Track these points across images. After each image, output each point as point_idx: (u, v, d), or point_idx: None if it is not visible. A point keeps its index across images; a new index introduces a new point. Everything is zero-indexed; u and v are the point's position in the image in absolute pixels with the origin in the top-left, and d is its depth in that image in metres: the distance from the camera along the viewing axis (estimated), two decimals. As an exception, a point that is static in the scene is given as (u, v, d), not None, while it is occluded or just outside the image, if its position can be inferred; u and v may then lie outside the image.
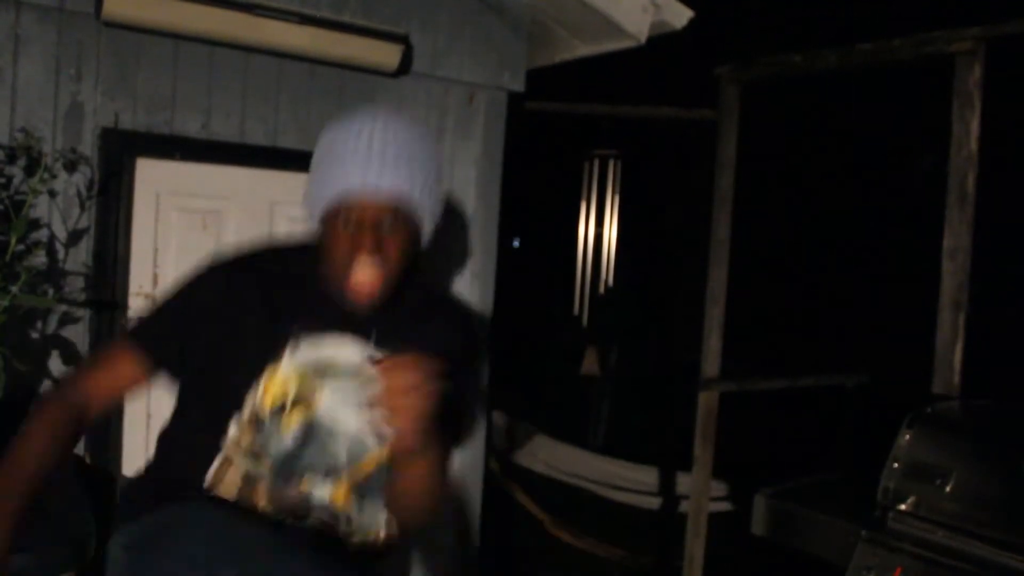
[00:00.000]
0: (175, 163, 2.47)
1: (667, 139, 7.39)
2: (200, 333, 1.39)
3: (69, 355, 2.27)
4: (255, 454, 1.37)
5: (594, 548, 4.64)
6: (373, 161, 1.32)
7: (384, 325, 1.40)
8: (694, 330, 3.94)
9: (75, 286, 2.27)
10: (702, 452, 3.54)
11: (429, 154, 1.39)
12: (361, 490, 1.43)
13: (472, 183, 3.03)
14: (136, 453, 2.47)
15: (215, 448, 1.38)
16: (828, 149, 7.26)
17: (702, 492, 3.57)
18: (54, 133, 2.23)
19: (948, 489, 2.23)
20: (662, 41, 3.03)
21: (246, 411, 1.37)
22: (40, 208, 2.18)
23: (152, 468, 1.52)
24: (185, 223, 2.55)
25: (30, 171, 2.08)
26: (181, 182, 2.52)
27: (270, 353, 1.37)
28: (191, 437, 1.43)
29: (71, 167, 2.24)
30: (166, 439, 1.51)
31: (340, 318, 1.39)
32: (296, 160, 2.65)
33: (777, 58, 3.51)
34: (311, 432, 1.38)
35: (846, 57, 3.21)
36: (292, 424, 1.37)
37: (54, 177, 2.15)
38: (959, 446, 2.34)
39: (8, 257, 1.94)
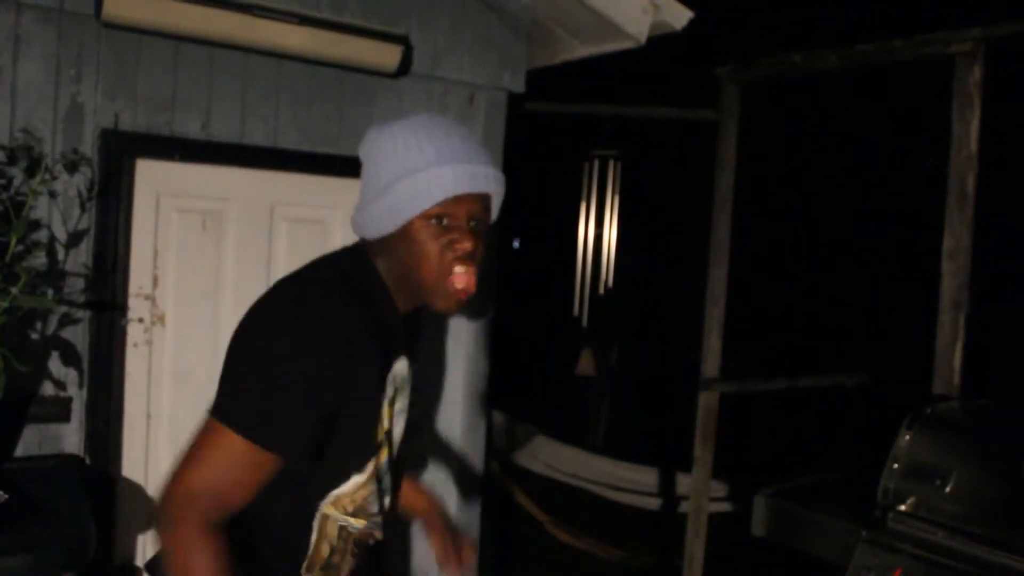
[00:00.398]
0: (175, 164, 2.47)
1: (667, 139, 7.39)
2: (333, 415, 1.24)
3: (69, 356, 2.27)
4: (364, 504, 1.37)
5: (594, 548, 4.64)
6: (475, 162, 1.30)
7: (411, 340, 1.45)
8: (694, 330, 3.94)
9: (75, 287, 2.27)
10: (702, 452, 3.54)
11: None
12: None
13: (472, 183, 3.03)
14: (136, 453, 2.47)
15: (312, 510, 1.33)
16: (828, 149, 7.26)
17: (702, 492, 3.57)
18: (54, 134, 2.23)
19: (948, 489, 2.23)
20: (662, 41, 3.03)
21: (369, 467, 1.35)
22: (40, 209, 2.18)
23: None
24: (185, 224, 2.55)
25: (30, 172, 2.08)
26: (181, 183, 2.52)
27: (383, 402, 1.35)
28: (288, 506, 1.31)
29: (71, 168, 2.24)
30: (255, 513, 1.27)
31: (402, 338, 1.38)
32: (296, 160, 2.66)
33: (777, 58, 3.51)
34: (390, 458, 1.40)
35: (846, 57, 3.21)
36: (384, 458, 1.38)
37: (54, 178, 2.15)
38: (959, 446, 2.34)
39: (8, 258, 1.93)
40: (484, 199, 1.33)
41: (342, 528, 1.34)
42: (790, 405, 5.17)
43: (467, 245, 1.29)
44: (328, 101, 2.69)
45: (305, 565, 1.33)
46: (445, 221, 1.28)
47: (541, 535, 4.83)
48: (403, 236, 1.30)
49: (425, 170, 1.27)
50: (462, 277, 1.30)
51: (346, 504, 1.34)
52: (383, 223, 1.31)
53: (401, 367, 1.38)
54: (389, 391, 1.34)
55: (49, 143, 2.21)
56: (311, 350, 1.18)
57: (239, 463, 1.18)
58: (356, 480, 1.33)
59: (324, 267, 1.35)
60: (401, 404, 1.41)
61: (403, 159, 1.29)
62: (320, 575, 1.35)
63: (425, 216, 1.28)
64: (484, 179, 1.31)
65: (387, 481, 1.41)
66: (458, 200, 1.28)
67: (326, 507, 1.32)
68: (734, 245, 3.69)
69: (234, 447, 1.17)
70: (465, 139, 1.33)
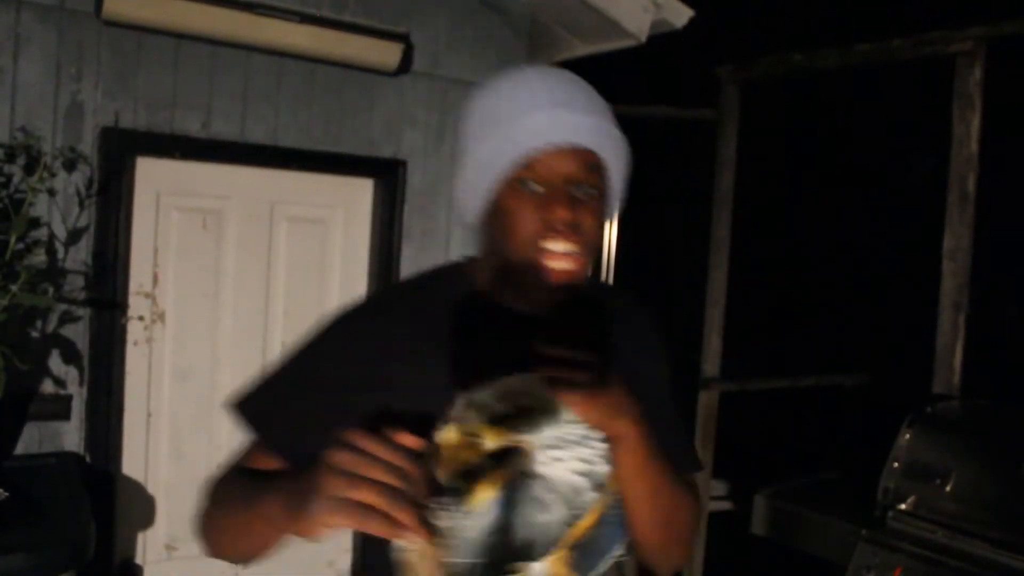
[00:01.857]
0: (175, 162, 2.47)
1: (667, 139, 7.39)
2: (339, 409, 0.98)
3: (69, 354, 2.27)
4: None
5: (594, 548, 4.64)
6: (560, 110, 1.00)
7: (569, 334, 0.97)
8: (694, 330, 3.95)
9: (75, 285, 2.27)
10: (702, 452, 3.54)
11: (607, 106, 1.07)
12: (581, 553, 0.98)
13: (472, 183, 3.03)
14: (136, 451, 2.47)
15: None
16: (828, 149, 7.26)
17: (702, 492, 3.57)
18: (54, 132, 2.23)
19: (948, 489, 2.23)
20: (662, 40, 3.03)
21: None
22: (40, 207, 2.18)
23: None
24: (185, 222, 2.55)
25: (30, 170, 2.08)
26: (181, 181, 2.52)
27: (431, 411, 0.95)
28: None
29: (71, 166, 2.24)
30: None
31: (516, 339, 0.95)
32: (296, 159, 2.66)
33: (777, 58, 3.51)
34: (513, 501, 0.96)
35: (846, 57, 3.22)
36: (484, 496, 0.94)
37: (54, 176, 2.15)
38: (959, 446, 2.34)
39: (8, 256, 1.93)
40: (588, 158, 1.01)
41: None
42: (790, 405, 5.18)
43: (560, 213, 0.96)
44: (329, 99, 2.69)
45: None
46: (534, 185, 0.99)
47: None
48: (494, 212, 1.02)
49: (508, 121, 1.00)
50: (555, 256, 0.97)
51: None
52: (469, 199, 1.05)
53: (522, 383, 0.94)
54: (486, 401, 0.94)
55: (49, 141, 2.21)
56: (315, 342, 1.07)
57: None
58: None
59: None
60: (554, 438, 0.94)
61: (481, 114, 1.05)
62: None
63: (510, 182, 1.00)
64: (585, 131, 1.00)
65: (521, 529, 0.95)
66: (549, 158, 0.99)
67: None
68: (734, 245, 3.69)
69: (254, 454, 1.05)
70: (569, 83, 1.04)
